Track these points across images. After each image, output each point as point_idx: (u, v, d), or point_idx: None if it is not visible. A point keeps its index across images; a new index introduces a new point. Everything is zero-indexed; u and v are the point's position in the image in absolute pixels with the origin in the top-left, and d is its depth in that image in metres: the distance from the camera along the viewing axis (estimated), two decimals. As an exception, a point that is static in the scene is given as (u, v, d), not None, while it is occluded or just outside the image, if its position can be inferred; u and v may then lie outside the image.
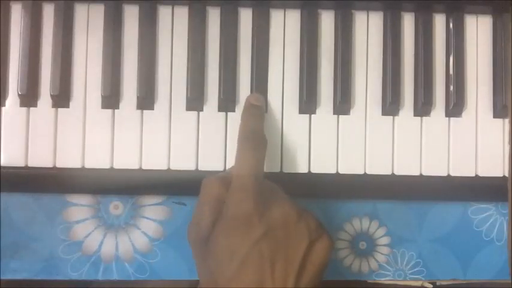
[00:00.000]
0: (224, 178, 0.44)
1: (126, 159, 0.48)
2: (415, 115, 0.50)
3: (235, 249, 0.40)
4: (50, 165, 0.47)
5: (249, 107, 0.48)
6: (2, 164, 0.47)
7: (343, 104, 0.49)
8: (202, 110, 0.49)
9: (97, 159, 0.48)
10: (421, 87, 0.50)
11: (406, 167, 0.49)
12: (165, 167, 0.48)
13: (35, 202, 0.50)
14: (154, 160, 0.48)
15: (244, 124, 0.47)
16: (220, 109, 0.49)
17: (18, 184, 0.48)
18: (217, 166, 0.48)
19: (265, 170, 0.48)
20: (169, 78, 0.49)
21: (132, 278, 0.50)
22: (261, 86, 0.49)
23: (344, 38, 0.50)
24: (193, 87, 0.49)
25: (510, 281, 0.50)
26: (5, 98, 0.48)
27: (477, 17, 0.51)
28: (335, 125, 0.49)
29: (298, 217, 0.42)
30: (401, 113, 0.50)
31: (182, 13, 0.49)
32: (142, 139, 0.48)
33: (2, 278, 0.49)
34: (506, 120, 0.50)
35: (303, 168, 0.49)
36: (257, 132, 0.46)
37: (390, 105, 0.50)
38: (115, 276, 0.50)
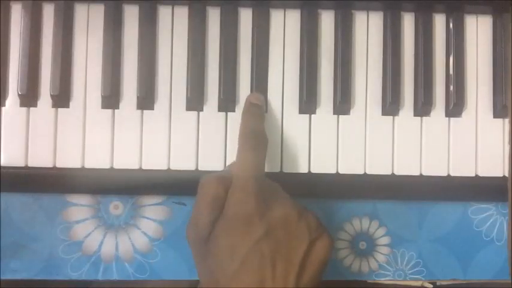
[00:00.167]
0: (222, 177, 0.43)
1: (126, 159, 0.48)
2: (415, 115, 0.50)
3: (235, 249, 0.40)
4: (50, 165, 0.47)
5: (249, 106, 0.48)
6: (2, 164, 0.47)
7: (343, 104, 0.49)
8: (202, 110, 0.49)
9: (97, 159, 0.48)
10: (421, 87, 0.50)
11: (406, 167, 0.49)
12: (165, 167, 0.48)
13: (35, 202, 0.50)
14: (154, 160, 0.48)
15: (245, 123, 0.47)
16: (220, 109, 0.49)
17: (18, 184, 0.48)
18: (217, 166, 0.48)
19: (265, 170, 0.48)
20: (169, 78, 0.49)
21: (132, 278, 0.50)
22: (261, 86, 0.49)
23: (344, 38, 0.50)
24: (193, 87, 0.49)
25: (510, 281, 0.50)
26: (5, 98, 0.48)
27: (477, 17, 0.51)
28: (335, 125, 0.49)
29: (299, 216, 0.42)
30: (401, 113, 0.50)
31: (182, 13, 0.49)
32: (142, 139, 0.48)
33: (2, 278, 0.49)
34: (506, 120, 0.50)
35: (303, 168, 0.49)
36: (258, 132, 0.46)
37: (390, 105, 0.50)
38: (115, 276, 0.50)
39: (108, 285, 0.54)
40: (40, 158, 0.47)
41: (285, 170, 0.49)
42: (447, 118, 0.50)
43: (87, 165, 0.48)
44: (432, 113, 0.50)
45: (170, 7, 0.49)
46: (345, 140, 0.49)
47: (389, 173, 0.49)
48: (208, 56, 0.49)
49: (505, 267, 0.52)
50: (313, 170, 0.49)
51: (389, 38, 0.50)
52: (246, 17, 0.50)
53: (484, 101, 0.51)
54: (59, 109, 0.48)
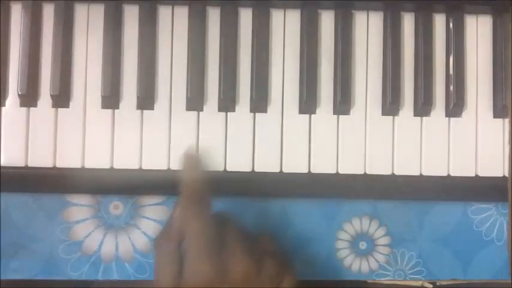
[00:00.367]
0: (169, 233, 0.42)
1: (126, 159, 0.48)
2: (415, 115, 0.50)
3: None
4: (50, 165, 0.47)
5: (185, 160, 0.44)
6: (2, 164, 0.47)
7: (343, 104, 0.49)
8: (202, 110, 0.49)
9: (97, 159, 0.48)
10: (421, 87, 0.50)
11: (406, 167, 0.49)
12: (165, 167, 0.48)
13: (35, 202, 0.50)
14: (154, 160, 0.48)
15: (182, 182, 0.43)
16: (220, 109, 0.49)
17: (18, 184, 0.48)
18: (217, 166, 0.48)
19: (266, 170, 0.48)
20: (169, 78, 0.49)
21: (132, 278, 0.50)
22: (261, 86, 0.49)
23: (344, 38, 0.50)
24: (193, 87, 0.49)
25: (510, 281, 0.50)
26: (5, 98, 0.48)
27: (477, 17, 0.51)
28: (335, 125, 0.49)
29: (258, 270, 0.41)
30: (401, 113, 0.50)
31: (182, 13, 0.49)
32: (142, 139, 0.48)
33: (2, 278, 0.49)
34: (506, 120, 0.50)
35: (303, 168, 0.49)
36: (193, 186, 0.43)
37: (390, 105, 0.50)
38: (115, 276, 0.50)
39: (108, 285, 0.54)
40: (40, 158, 0.47)
41: (285, 170, 0.49)
42: (447, 118, 0.50)
43: (87, 165, 0.48)
44: (432, 113, 0.50)
45: (170, 7, 0.49)
46: (345, 140, 0.49)
47: (389, 173, 0.49)
48: (208, 56, 0.49)
49: (505, 267, 0.52)
50: (313, 170, 0.49)
51: (389, 38, 0.50)
52: (246, 17, 0.50)
53: (484, 101, 0.51)
54: (59, 109, 0.48)
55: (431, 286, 0.55)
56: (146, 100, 0.48)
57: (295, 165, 0.49)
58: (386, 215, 0.52)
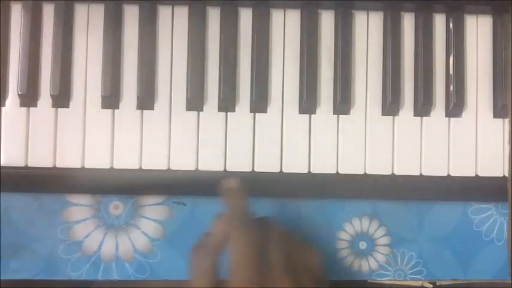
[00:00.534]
0: (209, 244, 0.43)
1: (126, 159, 0.48)
2: (415, 115, 0.50)
3: None
4: (50, 165, 0.47)
5: (227, 192, 0.45)
6: (2, 164, 0.47)
7: (343, 104, 0.49)
8: (202, 110, 0.49)
9: (97, 159, 0.48)
10: (421, 87, 0.50)
11: (406, 167, 0.49)
12: (165, 167, 0.48)
13: (35, 202, 0.50)
14: (154, 160, 0.48)
15: (230, 210, 0.44)
16: (220, 109, 0.49)
17: (18, 184, 0.48)
18: (217, 166, 0.48)
19: (266, 170, 0.48)
20: (169, 78, 0.49)
21: (132, 278, 0.50)
22: (261, 86, 0.49)
23: (344, 38, 0.50)
24: (193, 87, 0.49)
25: (510, 281, 0.50)
26: (5, 98, 0.48)
27: (477, 17, 0.51)
28: (335, 125, 0.49)
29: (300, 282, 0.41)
30: (401, 113, 0.50)
31: (182, 13, 0.49)
32: (142, 139, 0.48)
33: (2, 278, 0.49)
34: (506, 120, 0.50)
35: (303, 168, 0.49)
36: (245, 217, 0.44)
37: (390, 105, 0.50)
38: (115, 276, 0.50)
39: (108, 285, 0.54)
40: (40, 158, 0.47)
41: (285, 170, 0.49)
42: (447, 118, 0.50)
43: (87, 165, 0.48)
44: (432, 113, 0.50)
45: (170, 7, 0.49)
46: (345, 140, 0.49)
47: (389, 173, 0.49)
48: (208, 56, 0.49)
49: (505, 267, 0.52)
50: (313, 170, 0.49)
51: (389, 38, 0.50)
52: (246, 17, 0.50)
53: (484, 101, 0.51)
54: (59, 109, 0.48)
55: (431, 286, 0.55)
56: (146, 100, 0.48)
57: (295, 165, 0.49)
58: (386, 215, 0.52)
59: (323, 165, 0.49)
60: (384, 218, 0.52)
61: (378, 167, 0.49)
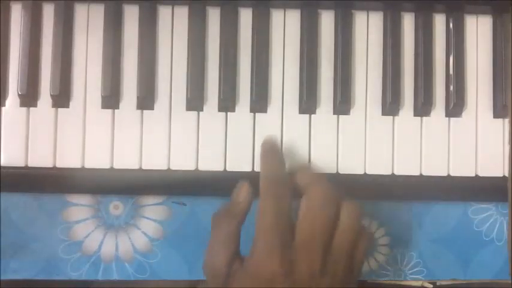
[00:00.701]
0: (233, 213, 0.43)
1: (126, 159, 0.48)
2: (415, 115, 0.50)
3: None
4: (50, 165, 0.47)
5: (265, 152, 0.46)
6: (2, 164, 0.47)
7: (343, 104, 0.49)
8: (202, 110, 0.49)
9: (97, 159, 0.48)
10: (421, 87, 0.50)
11: (406, 167, 0.49)
12: (165, 167, 0.48)
13: (35, 202, 0.50)
14: (154, 160, 0.48)
15: (265, 169, 0.44)
16: (220, 109, 0.49)
17: (18, 184, 0.48)
18: (217, 166, 0.48)
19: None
20: (169, 78, 0.49)
21: (132, 278, 0.50)
22: (261, 86, 0.49)
23: (344, 38, 0.50)
24: (193, 87, 0.49)
25: (510, 281, 0.50)
26: (5, 98, 0.48)
27: (477, 17, 0.51)
28: (335, 125, 0.49)
29: (321, 269, 0.40)
30: (401, 113, 0.50)
31: (182, 13, 0.49)
32: (142, 139, 0.48)
33: (2, 278, 0.49)
34: (506, 120, 0.50)
35: (303, 168, 0.49)
36: (279, 179, 0.43)
37: (390, 105, 0.50)
38: (115, 276, 0.50)
39: (108, 285, 0.54)
40: (40, 158, 0.47)
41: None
42: (447, 118, 0.50)
43: (87, 165, 0.48)
44: (432, 113, 0.50)
45: (170, 7, 0.49)
46: (345, 140, 0.49)
47: (389, 173, 0.49)
48: (208, 56, 0.49)
49: (505, 267, 0.52)
50: (313, 170, 0.49)
51: (389, 38, 0.50)
52: (246, 17, 0.50)
53: (484, 101, 0.51)
54: (59, 109, 0.48)
55: (431, 286, 0.55)
56: (146, 100, 0.48)
57: (295, 165, 0.49)
58: (386, 215, 0.52)
59: (323, 165, 0.49)
60: (383, 218, 0.52)
61: (378, 167, 0.49)
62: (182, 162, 0.48)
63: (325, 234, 0.41)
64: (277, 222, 0.41)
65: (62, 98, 0.48)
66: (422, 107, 0.50)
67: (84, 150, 0.48)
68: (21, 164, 0.47)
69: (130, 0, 0.49)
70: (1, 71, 0.48)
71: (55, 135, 0.48)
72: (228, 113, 0.49)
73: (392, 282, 0.53)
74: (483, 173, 0.50)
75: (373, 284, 0.55)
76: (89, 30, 0.49)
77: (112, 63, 0.48)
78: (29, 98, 0.48)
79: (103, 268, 0.50)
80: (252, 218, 0.43)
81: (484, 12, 0.51)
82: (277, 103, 0.49)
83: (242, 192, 0.45)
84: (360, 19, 0.51)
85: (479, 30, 0.51)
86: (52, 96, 0.48)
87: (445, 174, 0.50)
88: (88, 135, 0.48)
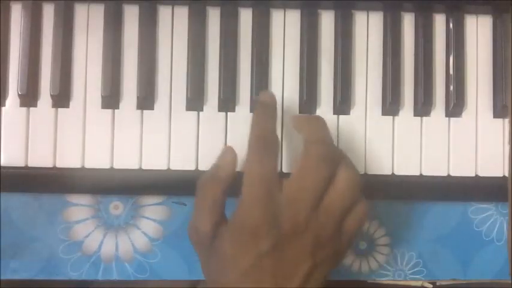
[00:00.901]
0: (220, 178, 0.43)
1: (126, 159, 0.48)
2: (415, 115, 0.50)
3: (239, 260, 0.40)
4: (50, 165, 0.47)
5: (260, 105, 0.45)
6: (2, 164, 0.47)
7: (343, 104, 0.49)
8: (202, 110, 0.49)
9: (97, 159, 0.48)
10: (421, 87, 0.50)
11: (406, 167, 0.49)
12: (165, 167, 0.48)
13: (35, 202, 0.50)
14: (154, 160, 0.48)
15: (255, 124, 0.44)
16: (220, 109, 0.49)
17: (18, 184, 0.48)
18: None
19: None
20: (169, 78, 0.49)
21: (132, 278, 0.50)
22: (261, 86, 0.49)
23: (344, 38, 0.50)
24: (193, 87, 0.49)
25: (510, 281, 0.50)
26: (5, 98, 0.48)
27: (477, 17, 0.51)
28: (335, 125, 0.49)
29: (305, 226, 0.40)
30: (401, 113, 0.50)
31: (182, 13, 0.49)
32: (142, 139, 0.48)
33: (2, 278, 0.49)
34: (506, 120, 0.50)
35: (303, 168, 0.49)
36: (269, 134, 0.43)
37: (390, 105, 0.50)
38: (115, 276, 0.50)
39: (108, 285, 0.54)
40: (40, 158, 0.47)
41: (285, 170, 0.49)
42: (447, 118, 0.50)
43: (87, 165, 0.48)
44: (432, 113, 0.50)
45: (170, 7, 0.49)
46: (345, 140, 0.49)
47: (389, 173, 0.49)
48: (208, 56, 0.49)
49: (505, 267, 0.52)
50: (313, 170, 0.49)
51: (389, 38, 0.50)
52: (246, 17, 0.50)
53: (484, 101, 0.51)
54: (59, 109, 0.48)
55: (431, 286, 0.55)
56: (146, 100, 0.48)
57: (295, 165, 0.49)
58: (386, 215, 0.52)
59: (323, 165, 0.49)
60: (383, 218, 0.52)
61: (378, 167, 0.49)
62: (182, 162, 0.48)
63: (313, 194, 0.40)
64: (263, 176, 0.40)
65: (62, 98, 0.48)
66: (422, 107, 0.50)
67: (84, 150, 0.48)
68: (21, 164, 0.47)
69: (131, 0, 0.49)
70: (1, 71, 0.48)
71: (55, 135, 0.48)
72: (228, 113, 0.49)
73: (392, 282, 0.53)
74: (483, 173, 0.50)
75: (373, 284, 0.55)
76: (89, 30, 0.49)
77: (112, 63, 0.48)
78: (29, 98, 0.48)
79: (103, 268, 0.50)
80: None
81: (484, 12, 0.51)
82: (278, 103, 0.49)
83: (226, 156, 0.44)
84: (360, 19, 0.51)
85: (479, 30, 0.51)
86: (52, 96, 0.48)
87: (445, 174, 0.50)
88: (88, 135, 0.48)
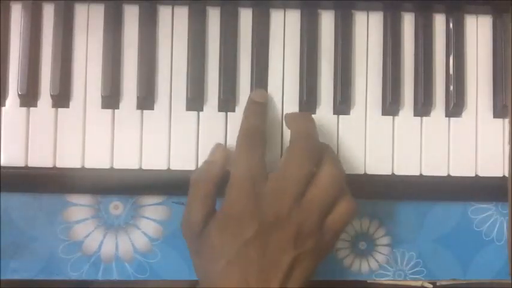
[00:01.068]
0: (212, 173, 0.45)
1: (126, 159, 0.48)
2: (415, 115, 0.50)
3: (224, 248, 0.41)
4: (50, 165, 0.47)
5: (250, 104, 0.48)
6: (2, 164, 0.47)
7: (343, 104, 0.49)
8: (202, 110, 0.49)
9: (97, 159, 0.48)
10: (421, 87, 0.50)
11: (406, 167, 0.49)
12: (165, 167, 0.48)
13: (35, 202, 0.50)
14: (154, 160, 0.48)
15: (245, 122, 0.47)
16: (220, 109, 0.49)
17: (18, 184, 0.48)
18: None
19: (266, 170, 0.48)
20: (169, 78, 0.49)
21: (132, 278, 0.50)
22: (261, 86, 0.49)
23: (344, 38, 0.50)
24: (193, 87, 0.49)
25: (510, 281, 0.50)
26: (5, 98, 0.48)
27: (477, 17, 0.51)
28: (335, 125, 0.49)
29: (288, 216, 0.41)
30: (401, 113, 0.50)
31: (182, 13, 0.49)
32: (142, 139, 0.48)
33: (2, 278, 0.49)
34: (506, 120, 0.50)
35: (303, 168, 0.49)
36: (255, 130, 0.46)
37: (390, 105, 0.50)
38: (115, 276, 0.50)
39: (108, 285, 0.54)
40: (40, 158, 0.47)
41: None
42: (447, 118, 0.50)
43: (87, 165, 0.48)
44: (432, 113, 0.50)
45: (170, 7, 0.49)
46: (345, 140, 0.49)
47: (389, 173, 0.49)
48: (208, 56, 0.49)
49: (505, 267, 0.52)
50: (313, 170, 0.49)
51: (389, 38, 0.50)
52: (246, 17, 0.50)
53: (484, 101, 0.51)
54: (59, 109, 0.48)
55: (431, 286, 0.55)
56: (146, 100, 0.48)
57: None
58: (386, 215, 0.52)
59: (323, 165, 0.49)
60: (383, 218, 0.52)
61: (378, 166, 0.49)
62: (182, 162, 0.48)
63: (296, 186, 0.42)
64: (248, 168, 0.43)
65: (62, 98, 0.48)
66: (422, 107, 0.50)
67: (84, 150, 0.48)
68: (21, 164, 0.47)
69: (131, 0, 0.49)
70: (1, 71, 0.48)
71: (55, 135, 0.48)
72: (228, 113, 0.49)
73: (392, 282, 0.53)
74: (483, 173, 0.50)
75: (373, 284, 0.55)
76: (89, 30, 0.49)
77: (112, 63, 0.48)
78: (29, 98, 0.48)
79: (103, 268, 0.50)
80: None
81: (484, 12, 0.51)
82: (277, 103, 0.49)
83: (217, 152, 0.47)
84: (360, 19, 0.51)
85: (479, 30, 0.51)
86: (52, 96, 0.48)
87: (445, 174, 0.50)
88: (88, 135, 0.48)
